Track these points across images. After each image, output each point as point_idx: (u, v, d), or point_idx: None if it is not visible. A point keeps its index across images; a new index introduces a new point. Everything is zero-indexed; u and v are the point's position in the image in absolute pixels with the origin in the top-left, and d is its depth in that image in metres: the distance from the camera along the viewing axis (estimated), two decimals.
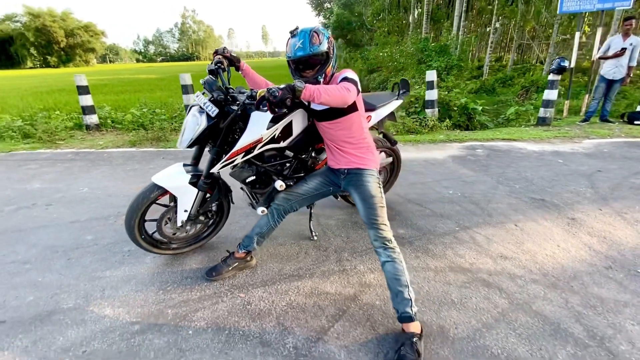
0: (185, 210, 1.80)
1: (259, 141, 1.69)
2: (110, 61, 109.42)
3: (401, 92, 2.38)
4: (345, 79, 1.52)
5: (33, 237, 2.28)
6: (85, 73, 6.14)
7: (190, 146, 1.69)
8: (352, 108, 1.58)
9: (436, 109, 5.50)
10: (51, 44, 59.52)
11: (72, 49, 62.87)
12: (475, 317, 1.52)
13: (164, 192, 1.76)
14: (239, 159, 1.71)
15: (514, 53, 16.72)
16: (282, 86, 1.32)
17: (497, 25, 14.51)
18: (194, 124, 1.64)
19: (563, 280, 1.75)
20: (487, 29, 15.90)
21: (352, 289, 1.73)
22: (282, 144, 1.82)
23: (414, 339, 1.31)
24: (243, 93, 1.71)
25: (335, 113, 1.59)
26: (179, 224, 1.84)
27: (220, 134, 1.68)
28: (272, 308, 1.60)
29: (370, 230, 1.54)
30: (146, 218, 1.84)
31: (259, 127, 1.66)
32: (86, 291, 1.75)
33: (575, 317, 1.51)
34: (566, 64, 4.97)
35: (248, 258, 1.90)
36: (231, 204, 2.07)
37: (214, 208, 2.04)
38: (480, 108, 5.71)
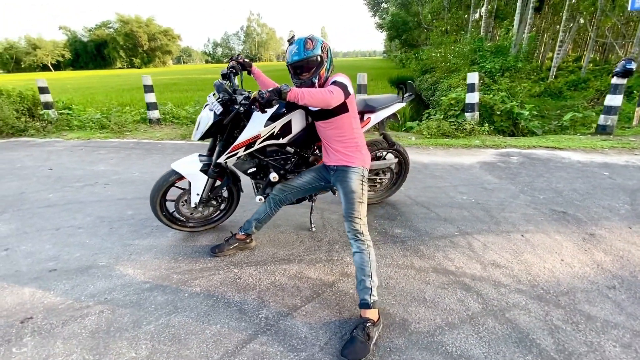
0: (198, 194, 2.10)
1: (257, 137, 1.91)
2: (184, 62, 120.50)
3: (406, 95, 2.43)
4: (334, 82, 1.65)
5: (89, 209, 2.80)
6: (161, 73, 7.06)
7: (201, 139, 1.97)
8: (343, 109, 1.71)
9: (476, 113, 5.26)
10: (136, 47, 67.67)
11: (152, 51, 70.69)
12: (442, 316, 1.56)
13: (181, 177, 2.07)
14: (241, 152, 1.95)
15: (590, 53, 14.85)
16: (270, 89, 1.53)
17: (567, 21, 13.02)
18: (205, 120, 1.92)
19: (552, 293, 1.68)
20: (558, 27, 14.35)
21: (332, 276, 1.86)
22: (282, 141, 2.02)
23: (367, 324, 1.42)
24: (243, 94, 1.94)
25: (327, 113, 1.74)
26: (192, 205, 2.14)
27: (226, 129, 1.94)
28: (257, 284, 1.81)
29: (345, 222, 1.66)
30: (167, 198, 2.18)
31: (257, 125, 1.89)
32: (117, 254, 2.14)
33: (549, 330, 1.47)
34: (633, 66, 4.40)
35: (248, 240, 2.13)
36: (241, 192, 2.32)
37: (224, 194, 2.31)
38: (527, 113, 5.31)
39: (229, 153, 1.94)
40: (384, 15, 21.98)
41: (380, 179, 2.55)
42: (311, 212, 2.36)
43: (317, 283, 1.81)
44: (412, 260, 1.99)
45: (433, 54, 13.16)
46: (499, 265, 1.92)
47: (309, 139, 2.09)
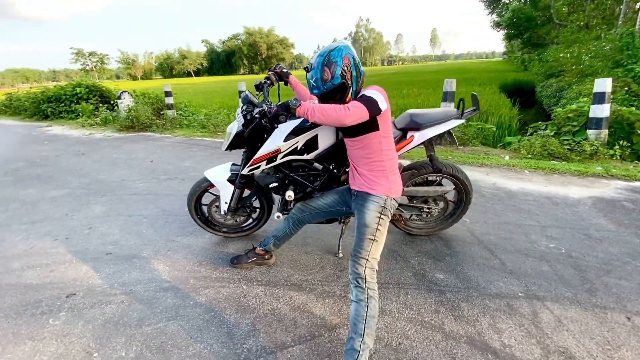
0: (226, 202, 2.12)
1: (277, 151, 1.80)
2: (295, 68, 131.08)
3: (467, 110, 1.95)
4: (361, 97, 1.42)
5: (160, 201, 3.18)
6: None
7: (229, 149, 1.98)
8: (372, 127, 1.47)
9: (604, 131, 4.04)
10: (257, 55, 76.95)
11: (269, 58, 79.15)
12: None
13: (212, 184, 2.13)
14: (263, 165, 1.88)
15: None
16: (279, 103, 1.41)
17: None
18: (231, 132, 1.92)
19: None
20: None
21: (337, 319, 1.62)
22: (307, 157, 1.86)
23: None
24: (261, 108, 1.85)
25: (354, 130, 1.51)
26: (222, 212, 2.18)
27: (251, 141, 1.89)
28: (257, 308, 1.71)
29: (350, 261, 1.41)
30: (202, 202, 2.27)
31: (277, 139, 1.78)
32: (159, 248, 2.33)
33: None
34: None
35: (267, 256, 2.05)
36: (272, 204, 2.26)
37: (255, 204, 2.29)
38: None
39: (250, 166, 1.88)
40: (503, 12, 19.26)
41: (428, 208, 2.13)
42: (341, 236, 2.14)
43: (318, 322, 1.59)
44: (444, 321, 1.57)
45: (561, 55, 10.85)
46: (570, 356, 1.34)
47: (340, 155, 1.88)
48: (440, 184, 2.14)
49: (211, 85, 27.23)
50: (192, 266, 2.10)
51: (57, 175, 4.17)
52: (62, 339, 1.56)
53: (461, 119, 1.90)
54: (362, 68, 1.55)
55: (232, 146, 1.95)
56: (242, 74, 77.01)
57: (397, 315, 1.62)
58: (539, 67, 14.70)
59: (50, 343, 1.54)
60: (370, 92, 1.43)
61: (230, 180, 2.07)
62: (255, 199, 2.24)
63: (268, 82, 1.96)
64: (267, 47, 77.38)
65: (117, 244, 2.42)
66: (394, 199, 1.53)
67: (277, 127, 1.80)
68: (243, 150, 2.00)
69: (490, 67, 28.71)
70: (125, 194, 3.42)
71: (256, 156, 1.83)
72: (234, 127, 1.89)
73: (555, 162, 3.87)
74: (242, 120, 1.82)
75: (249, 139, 1.87)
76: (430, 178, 2.15)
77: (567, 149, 4.06)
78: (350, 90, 1.51)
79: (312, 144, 1.83)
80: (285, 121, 1.54)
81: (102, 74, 71.26)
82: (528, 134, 4.87)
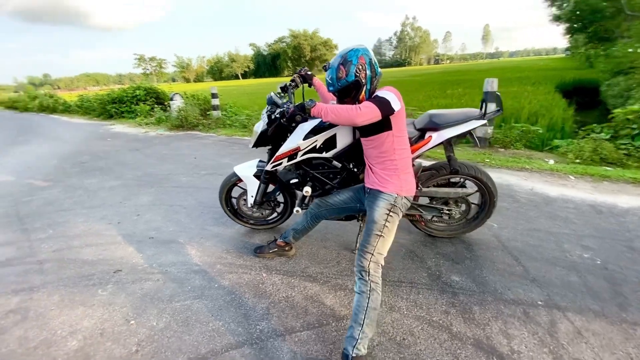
0: (252, 196, 2.28)
1: (297, 149, 1.91)
2: None
3: (490, 111, 1.89)
4: (374, 97, 1.49)
5: (199, 194, 3.46)
6: None
7: (255, 146, 2.13)
8: (385, 126, 1.53)
9: None
10: (300, 57, 78.44)
11: (313, 60, 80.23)
12: None
13: (240, 178, 2.30)
14: (284, 162, 2.00)
15: None
16: (296, 104, 1.54)
17: None
18: (256, 130, 2.07)
19: None
20: None
21: (346, 310, 1.68)
22: (326, 155, 1.95)
23: None
24: (282, 108, 1.97)
25: (369, 130, 1.58)
26: (248, 205, 2.34)
27: (274, 139, 2.02)
28: (274, 294, 1.83)
29: (357, 254, 1.48)
30: (232, 195, 2.46)
31: (296, 138, 1.89)
32: (194, 235, 2.57)
33: None
34: None
35: (287, 248, 2.17)
36: (295, 199, 2.38)
37: (279, 199, 2.42)
38: None
39: (273, 162, 2.02)
40: (564, 4, 17.61)
41: (449, 210, 2.10)
42: (359, 234, 2.18)
43: (327, 312, 1.67)
44: (452, 322, 1.56)
45: (630, 49, 9.70)
46: None
47: (359, 155, 1.94)
48: (463, 186, 2.10)
49: (255, 87, 28.36)
50: (220, 253, 2.29)
51: (115, 168, 4.70)
52: (107, 307, 1.81)
53: (482, 119, 1.86)
54: (380, 70, 1.62)
55: (257, 144, 2.10)
56: (286, 76, 79.07)
57: (405, 312, 1.64)
58: (605, 64, 13.27)
59: (97, 309, 1.79)
60: (383, 92, 1.48)
61: (256, 176, 2.22)
62: (279, 194, 2.37)
63: (293, 84, 2.09)
64: (311, 49, 78.58)
65: (159, 229, 2.70)
66: (405, 197, 1.56)
67: (299, 126, 1.92)
68: (268, 147, 2.15)
69: (549, 65, 26.45)
70: (169, 186, 3.77)
71: (278, 153, 1.96)
72: (260, 126, 2.04)
73: (608, 169, 3.54)
74: (266, 120, 1.96)
75: (273, 137, 2.01)
76: (453, 180, 2.12)
77: (624, 154, 3.69)
78: (364, 89, 1.58)
79: (331, 143, 1.92)
80: (302, 120, 1.67)
81: (160, 77, 77.42)
82: (580, 137, 4.49)
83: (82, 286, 2.00)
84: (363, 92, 1.59)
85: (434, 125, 1.86)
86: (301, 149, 1.92)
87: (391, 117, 1.50)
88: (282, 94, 2.06)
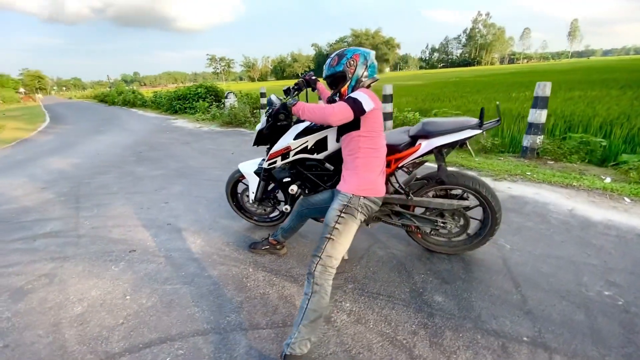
0: (252, 192, 2.38)
1: (287, 149, 1.97)
2: (399, 69, 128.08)
3: (489, 121, 1.70)
4: (348, 97, 1.50)
5: (222, 187, 3.68)
6: None
7: (255, 145, 2.22)
8: (353, 126, 1.55)
9: None
10: None
11: None
12: None
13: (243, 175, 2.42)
14: (279, 161, 2.06)
15: None
16: (281, 103, 1.64)
17: None
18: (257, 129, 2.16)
19: None
20: None
21: None
22: (317, 156, 1.97)
23: None
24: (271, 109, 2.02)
25: (341, 130, 1.64)
26: (250, 201, 2.45)
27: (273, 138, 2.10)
28: (252, 290, 1.91)
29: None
30: (238, 191, 2.60)
31: (288, 137, 1.95)
32: (205, 226, 2.77)
33: None
34: None
35: (278, 247, 2.23)
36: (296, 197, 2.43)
37: (280, 197, 2.49)
38: None
39: (268, 160, 2.09)
40: None
41: (443, 223, 1.95)
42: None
43: (294, 314, 1.69)
44: (417, 344, 1.47)
45: None
46: None
47: None
48: (463, 198, 1.94)
49: None
50: (220, 245, 2.44)
51: (163, 159, 5.24)
52: (114, 281, 2.06)
53: (478, 129, 1.69)
54: (377, 75, 1.62)
55: (257, 142, 2.19)
56: None
57: (371, 326, 1.59)
58: None
59: (106, 282, 2.05)
60: (357, 93, 1.50)
61: (257, 173, 2.31)
62: (279, 192, 2.44)
63: (296, 87, 2.15)
64: (372, 48, 77.30)
65: (178, 217, 2.96)
66: (366, 198, 1.51)
67: (292, 126, 1.98)
68: (267, 146, 2.23)
69: None
70: (201, 178, 4.09)
71: (271, 151, 2.03)
72: (260, 125, 2.13)
73: None
74: (264, 121, 2.04)
75: (270, 136, 2.08)
76: (454, 191, 1.97)
77: None
78: (348, 84, 1.60)
79: (322, 145, 1.93)
80: (285, 119, 1.74)
81: (228, 76, 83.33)
82: None
83: (102, 261, 2.30)
84: (346, 87, 1.62)
85: (426, 133, 1.75)
86: (292, 148, 1.97)
87: (362, 117, 1.50)
88: (285, 97, 2.12)
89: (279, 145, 2.00)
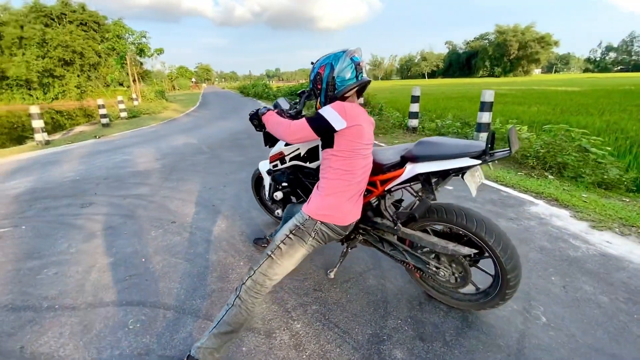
0: (267, 191, 2.45)
1: (281, 154, 1.95)
2: (555, 71, 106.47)
3: (500, 151, 1.22)
4: (315, 113, 1.41)
5: None
6: (508, 83, 7.16)
7: (266, 145, 2.26)
8: (327, 144, 1.44)
9: None
10: (502, 56, 68.06)
11: (518, 60, 68.13)
12: None
13: None
14: (279, 164, 2.07)
15: None
16: (256, 110, 1.69)
17: None
18: None
19: None
20: None
21: (265, 326, 1.64)
22: (309, 165, 1.90)
23: None
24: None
25: (322, 143, 1.52)
26: (267, 198, 2.53)
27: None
28: (230, 283, 1.99)
29: None
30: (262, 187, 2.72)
31: (281, 142, 1.93)
32: (238, 212, 3.01)
33: None
34: None
35: None
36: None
37: (293, 199, 2.48)
38: None
39: (270, 162, 2.12)
40: None
41: (436, 267, 1.57)
42: (340, 259, 1.99)
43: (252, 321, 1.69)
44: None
45: None
46: None
47: None
48: (467, 244, 1.52)
49: (433, 87, 27.00)
50: (235, 233, 2.62)
51: (251, 147, 5.87)
52: (143, 244, 2.48)
53: (480, 159, 1.27)
54: (345, 84, 1.42)
55: (267, 142, 2.23)
56: (480, 77, 70.88)
57: (304, 357, 1.44)
58: None
59: (139, 244, 2.48)
60: (326, 109, 1.36)
61: (268, 172, 2.37)
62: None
63: (306, 94, 2.09)
64: (519, 47, 66.64)
65: (223, 201, 3.31)
66: (325, 224, 1.36)
67: None
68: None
69: None
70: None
71: (270, 154, 2.05)
72: None
73: None
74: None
75: (274, 138, 2.10)
76: (459, 231, 1.56)
77: None
78: (318, 100, 1.49)
79: (314, 154, 1.84)
80: (258, 126, 1.73)
81: None
82: None
83: (149, 225, 2.79)
84: (318, 103, 1.50)
85: (414, 155, 1.43)
86: (285, 154, 1.95)
87: (335, 135, 1.34)
88: (279, 99, 2.10)
89: (275, 149, 2.01)
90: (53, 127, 12.69)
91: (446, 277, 1.57)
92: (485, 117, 4.90)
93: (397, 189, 1.61)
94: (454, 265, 1.56)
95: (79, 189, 3.83)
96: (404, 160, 1.50)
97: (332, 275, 1.99)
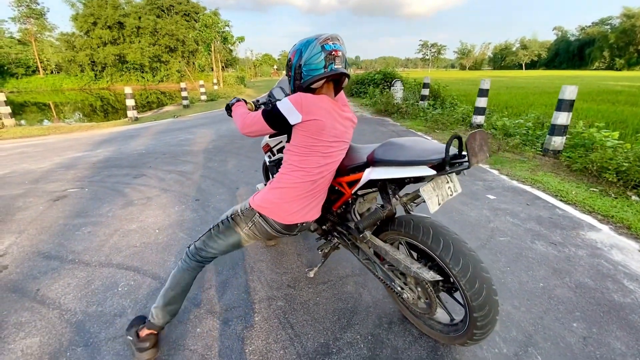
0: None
1: (268, 146, 1.93)
2: None
3: (456, 159, 0.96)
4: (273, 105, 1.36)
5: None
6: (617, 78, 6.11)
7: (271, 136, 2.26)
8: (288, 137, 1.38)
9: None
10: (628, 45, 55.54)
11: None
12: None
13: None
14: (271, 155, 2.05)
15: None
16: (232, 100, 1.70)
17: None
18: None
19: None
20: None
21: (235, 313, 1.68)
22: None
23: (129, 335, 1.43)
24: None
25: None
26: None
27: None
28: (221, 273, 2.07)
29: None
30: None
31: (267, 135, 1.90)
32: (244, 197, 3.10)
33: None
34: None
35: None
36: None
37: None
38: None
39: (264, 152, 2.11)
40: None
41: (400, 287, 1.38)
42: (323, 257, 1.89)
43: (246, 311, 1.74)
44: None
45: None
46: None
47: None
48: (434, 268, 1.28)
49: (528, 80, 23.53)
50: None
51: None
52: (165, 216, 2.73)
53: (432, 170, 1.03)
54: (312, 74, 1.31)
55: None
56: (596, 69, 59.35)
57: (246, 351, 1.44)
58: None
59: (161, 216, 2.75)
60: (283, 101, 1.28)
61: (265, 163, 2.37)
62: None
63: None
64: None
65: (247, 184, 3.45)
66: (262, 217, 1.32)
67: None
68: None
69: None
70: None
71: (261, 145, 2.04)
72: None
73: None
74: None
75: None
76: (428, 249, 1.33)
77: None
78: (289, 89, 1.43)
79: None
80: (230, 116, 1.72)
81: (436, 63, 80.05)
82: None
83: (176, 200, 3.07)
84: (289, 89, 1.44)
85: (374, 158, 1.25)
86: (271, 145, 1.92)
87: (293, 128, 1.28)
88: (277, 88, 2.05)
89: (263, 140, 1.99)
90: (157, 105, 14.73)
91: (411, 300, 1.37)
92: (562, 118, 4.11)
93: (370, 194, 1.45)
94: (419, 289, 1.36)
95: (140, 161, 4.40)
96: (369, 162, 1.34)
97: (311, 274, 1.92)
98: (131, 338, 1.40)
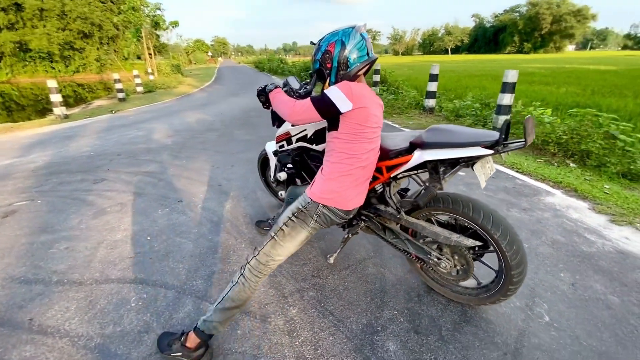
0: (274, 172, 2.42)
1: (288, 134, 1.91)
2: (591, 47, 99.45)
3: (514, 141, 1.13)
4: (321, 94, 1.34)
5: None
6: (538, 60, 6.69)
7: (274, 125, 2.20)
8: (332, 126, 1.38)
9: None
10: (533, 31, 63.70)
11: (550, 35, 63.69)
12: None
13: None
14: (285, 145, 2.03)
15: None
16: (264, 85, 1.64)
17: None
18: None
19: None
20: None
21: (259, 308, 1.66)
22: (315, 147, 1.85)
23: (175, 342, 1.37)
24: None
25: (328, 125, 1.44)
26: (271, 179, 2.51)
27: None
28: (231, 264, 2.01)
29: None
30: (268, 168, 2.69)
31: (288, 123, 1.88)
32: (244, 193, 3.01)
33: None
34: None
35: None
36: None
37: (298, 182, 2.44)
38: None
39: (277, 142, 2.08)
40: None
41: (437, 258, 1.52)
42: (343, 243, 1.95)
43: (253, 305, 1.70)
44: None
45: None
46: None
47: None
48: (473, 236, 1.45)
49: (455, 64, 25.66)
50: (239, 215, 2.63)
51: (261, 126, 5.82)
52: (150, 222, 2.52)
53: (493, 150, 1.17)
54: (356, 64, 1.34)
55: (274, 122, 2.17)
56: (508, 53, 66.88)
57: (297, 343, 1.45)
58: None
59: (145, 221, 2.53)
60: (332, 89, 1.29)
61: (274, 153, 2.33)
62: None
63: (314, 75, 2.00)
64: (553, 21, 62.05)
65: (230, 181, 3.31)
66: (327, 207, 1.33)
67: None
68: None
69: None
70: None
71: (277, 134, 2.01)
72: None
73: None
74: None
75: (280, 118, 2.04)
76: (463, 222, 1.49)
77: None
78: (328, 81, 1.41)
79: (322, 136, 1.79)
80: (265, 103, 1.67)
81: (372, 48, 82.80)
82: None
83: (157, 204, 2.84)
84: (327, 84, 1.41)
85: (424, 142, 1.35)
86: (291, 134, 1.91)
87: (341, 117, 1.28)
88: (289, 77, 2.02)
89: (282, 129, 1.97)
90: (75, 100, 12.91)
91: (448, 269, 1.52)
92: (506, 99, 4.63)
93: (404, 177, 1.54)
94: (456, 257, 1.51)
95: (92, 164, 3.92)
96: (413, 146, 1.42)
97: (331, 260, 1.97)
98: (179, 353, 1.33)
